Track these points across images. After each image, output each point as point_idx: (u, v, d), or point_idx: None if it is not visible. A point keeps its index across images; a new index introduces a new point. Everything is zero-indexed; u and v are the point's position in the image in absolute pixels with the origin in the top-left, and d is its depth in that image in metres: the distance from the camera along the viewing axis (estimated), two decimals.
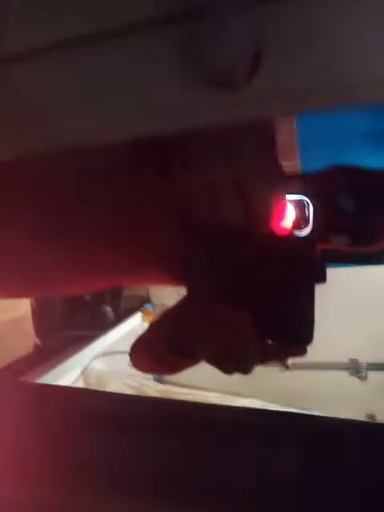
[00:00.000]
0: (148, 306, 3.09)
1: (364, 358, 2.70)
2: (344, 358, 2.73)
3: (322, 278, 0.62)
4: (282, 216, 0.66)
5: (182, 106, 0.42)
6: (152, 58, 0.41)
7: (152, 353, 0.67)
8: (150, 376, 2.68)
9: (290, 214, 0.69)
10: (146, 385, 2.58)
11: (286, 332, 0.61)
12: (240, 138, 0.62)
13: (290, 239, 0.69)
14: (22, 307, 2.42)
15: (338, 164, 0.74)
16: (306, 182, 0.74)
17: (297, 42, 0.37)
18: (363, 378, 2.66)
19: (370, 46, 0.35)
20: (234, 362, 0.56)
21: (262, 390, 2.60)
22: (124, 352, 1.85)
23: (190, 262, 0.63)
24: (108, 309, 2.99)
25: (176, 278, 0.68)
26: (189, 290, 0.65)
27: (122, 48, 0.40)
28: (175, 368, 0.68)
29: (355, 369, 2.69)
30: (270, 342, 0.60)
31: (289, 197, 0.70)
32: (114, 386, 2.35)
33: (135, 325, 2.91)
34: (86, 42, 0.41)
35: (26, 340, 2.45)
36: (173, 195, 0.59)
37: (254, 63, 0.39)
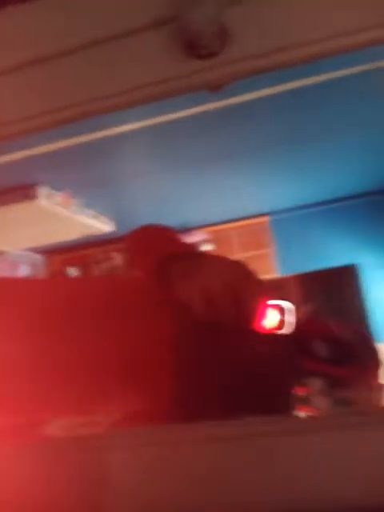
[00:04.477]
0: None
1: None
2: None
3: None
4: (262, 315, 0.78)
5: (174, 74, 0.58)
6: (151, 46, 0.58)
7: None
8: None
9: (271, 315, 0.81)
10: None
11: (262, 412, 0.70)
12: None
13: (274, 337, 0.82)
14: None
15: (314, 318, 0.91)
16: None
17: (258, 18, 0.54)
18: None
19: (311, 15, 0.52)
20: None
21: None
22: None
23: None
24: None
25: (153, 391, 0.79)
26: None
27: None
28: None
29: None
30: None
31: (270, 301, 0.84)
32: None
33: None
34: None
35: None
36: (177, 297, 0.72)
37: (223, 36, 0.55)
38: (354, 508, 0.44)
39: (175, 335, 0.77)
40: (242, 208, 3.80)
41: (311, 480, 0.47)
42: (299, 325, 0.84)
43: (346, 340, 0.84)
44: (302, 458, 0.47)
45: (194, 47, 0.57)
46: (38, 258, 4.19)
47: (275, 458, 0.48)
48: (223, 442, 0.51)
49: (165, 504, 0.50)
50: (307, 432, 0.48)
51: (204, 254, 0.82)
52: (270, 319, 0.79)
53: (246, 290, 0.69)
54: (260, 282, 0.79)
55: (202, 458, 0.51)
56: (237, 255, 4.04)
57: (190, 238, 3.73)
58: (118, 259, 4.16)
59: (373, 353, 0.85)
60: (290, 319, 0.83)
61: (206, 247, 4.00)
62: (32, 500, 0.52)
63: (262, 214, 3.95)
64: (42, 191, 2.91)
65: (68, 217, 3.13)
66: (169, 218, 3.16)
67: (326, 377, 0.81)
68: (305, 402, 0.82)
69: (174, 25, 0.56)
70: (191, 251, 0.80)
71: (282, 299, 0.84)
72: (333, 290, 3.86)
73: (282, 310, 0.83)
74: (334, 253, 3.79)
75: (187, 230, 3.74)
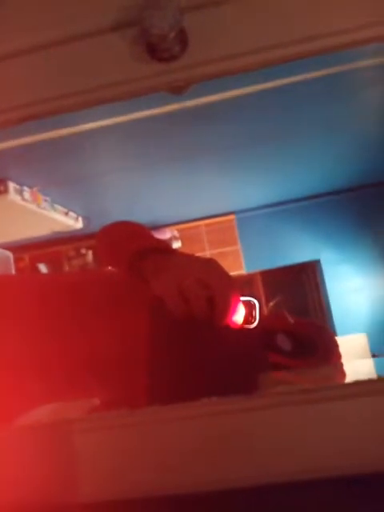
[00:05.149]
0: None
1: None
2: None
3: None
4: (235, 310, 0.79)
5: (137, 75, 0.61)
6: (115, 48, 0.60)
7: None
8: None
9: (242, 310, 0.82)
10: None
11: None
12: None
13: (245, 331, 0.84)
14: None
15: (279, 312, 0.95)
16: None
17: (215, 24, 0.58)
18: None
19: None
20: None
21: None
22: None
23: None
24: None
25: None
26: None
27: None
28: None
29: None
30: None
31: (240, 297, 0.84)
32: None
33: None
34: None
35: None
36: (150, 292, 0.74)
37: (183, 40, 0.59)
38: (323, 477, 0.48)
39: (149, 330, 0.79)
40: (209, 206, 3.85)
41: (277, 453, 0.50)
42: (264, 320, 0.88)
43: (308, 334, 0.88)
44: (266, 433, 0.51)
45: (156, 50, 0.60)
46: (7, 253, 4.12)
47: (244, 433, 0.51)
48: (192, 420, 0.53)
49: (136, 484, 0.52)
50: (271, 407, 0.52)
51: (176, 251, 0.84)
52: (241, 315, 0.81)
53: (219, 286, 0.72)
54: (232, 279, 0.82)
55: (172, 438, 0.53)
56: (205, 252, 4.11)
57: (159, 236, 3.75)
58: (89, 256, 4.14)
59: (333, 346, 0.90)
60: (257, 314, 0.87)
61: (175, 244, 4.04)
62: (5, 484, 0.53)
63: (228, 213, 4.03)
64: (12, 186, 2.86)
65: (37, 213, 3.09)
66: (138, 215, 3.18)
67: (288, 370, 0.84)
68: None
69: (136, 28, 0.59)
70: (163, 247, 0.81)
71: (248, 295, 0.87)
72: (295, 286, 3.99)
73: (250, 306, 0.86)
74: (296, 250, 3.92)
75: (156, 227, 3.76)
